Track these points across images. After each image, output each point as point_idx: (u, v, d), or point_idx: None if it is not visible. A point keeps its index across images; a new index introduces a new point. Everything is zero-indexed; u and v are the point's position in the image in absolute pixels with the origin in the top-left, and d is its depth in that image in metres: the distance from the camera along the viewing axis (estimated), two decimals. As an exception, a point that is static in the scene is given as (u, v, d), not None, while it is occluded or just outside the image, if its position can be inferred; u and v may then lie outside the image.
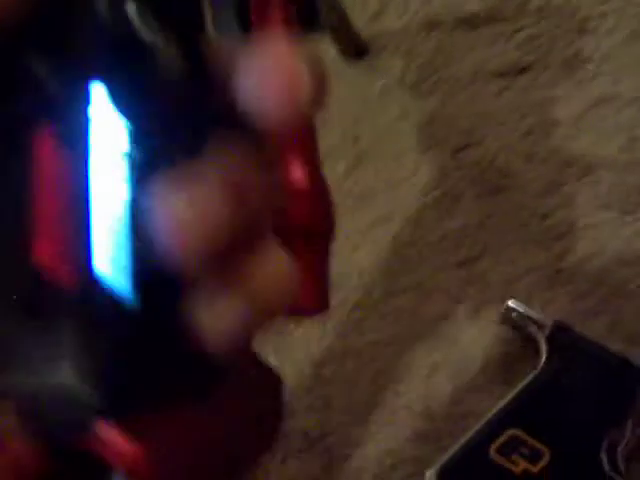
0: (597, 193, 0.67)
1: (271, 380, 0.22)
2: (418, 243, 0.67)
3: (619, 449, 0.55)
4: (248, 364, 0.21)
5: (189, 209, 0.17)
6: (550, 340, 0.59)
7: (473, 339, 0.63)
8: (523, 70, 0.73)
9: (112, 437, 0.18)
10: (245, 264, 0.18)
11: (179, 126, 0.18)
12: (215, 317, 0.18)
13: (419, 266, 0.67)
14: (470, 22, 0.75)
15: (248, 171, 0.18)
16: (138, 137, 0.17)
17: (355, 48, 0.75)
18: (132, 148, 0.17)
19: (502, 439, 0.55)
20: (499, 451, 0.54)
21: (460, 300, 0.65)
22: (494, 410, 0.57)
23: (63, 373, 0.16)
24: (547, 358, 0.58)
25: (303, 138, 0.47)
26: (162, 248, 0.17)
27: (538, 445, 0.54)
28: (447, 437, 0.60)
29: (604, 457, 0.55)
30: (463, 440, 0.56)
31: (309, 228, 0.46)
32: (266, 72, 0.17)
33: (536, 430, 0.55)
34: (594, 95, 0.71)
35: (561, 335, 0.59)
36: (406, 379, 0.63)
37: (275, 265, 0.19)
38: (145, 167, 0.17)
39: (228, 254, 0.17)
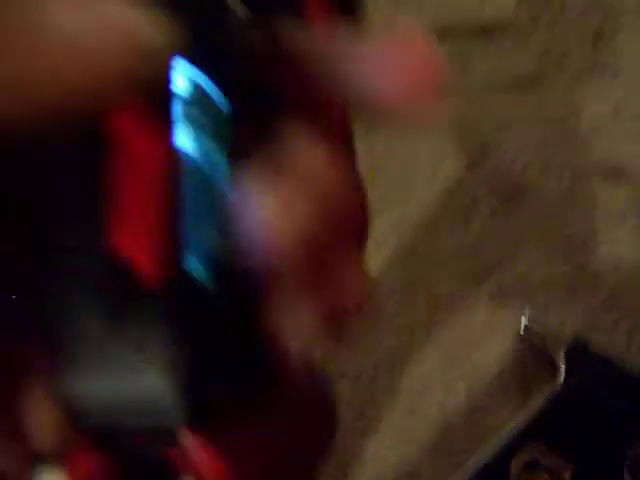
0: (614, 204, 0.67)
1: (326, 389, 0.22)
2: (433, 255, 0.67)
3: (640, 465, 0.55)
4: (311, 374, 0.20)
5: (282, 210, 0.16)
6: (569, 355, 0.58)
7: (489, 354, 0.63)
8: (538, 81, 0.72)
9: (196, 449, 0.17)
10: (327, 267, 0.18)
11: (258, 107, 0.17)
12: (295, 322, 0.17)
13: (433, 280, 0.66)
14: (484, 32, 0.75)
15: (334, 169, 0.18)
16: (228, 117, 0.16)
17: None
18: (222, 129, 0.16)
19: (523, 455, 0.54)
20: (520, 467, 0.54)
21: (476, 314, 0.64)
22: (514, 425, 0.56)
23: (149, 378, 0.15)
24: (566, 374, 0.58)
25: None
26: (251, 247, 0.16)
27: (559, 460, 0.54)
28: (464, 453, 0.60)
29: (627, 472, 0.54)
30: (483, 454, 0.56)
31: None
32: (397, 57, 0.17)
33: (558, 445, 0.54)
34: (609, 105, 0.71)
35: (580, 350, 0.59)
36: (422, 395, 0.62)
37: (355, 270, 0.18)
38: (234, 153, 0.16)
39: (312, 257, 0.17)
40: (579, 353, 0.59)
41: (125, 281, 0.15)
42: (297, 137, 0.18)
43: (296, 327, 0.17)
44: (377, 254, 0.67)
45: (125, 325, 0.15)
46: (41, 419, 0.18)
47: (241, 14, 0.17)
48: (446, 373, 0.63)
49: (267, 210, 0.16)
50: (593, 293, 0.64)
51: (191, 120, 0.16)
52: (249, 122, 0.17)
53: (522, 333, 0.62)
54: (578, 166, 0.68)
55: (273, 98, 0.18)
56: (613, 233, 0.66)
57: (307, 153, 0.17)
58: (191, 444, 0.17)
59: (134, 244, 0.15)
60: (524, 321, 0.61)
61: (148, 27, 0.14)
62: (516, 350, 0.63)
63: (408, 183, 0.70)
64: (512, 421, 0.58)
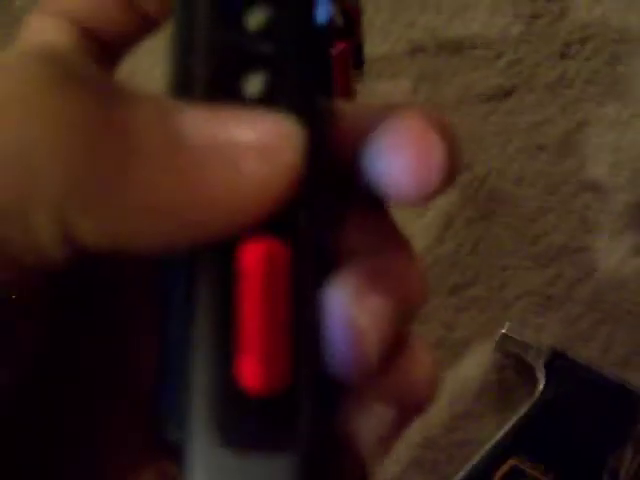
0: (585, 216, 0.67)
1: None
2: (410, 270, 0.67)
3: (621, 473, 0.55)
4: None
5: (371, 320, 0.16)
6: (547, 367, 0.59)
7: (468, 366, 0.63)
8: (507, 94, 0.73)
9: None
10: (397, 363, 0.18)
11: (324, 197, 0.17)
12: (372, 423, 0.18)
13: (411, 293, 0.66)
14: (453, 47, 0.75)
15: (408, 269, 0.18)
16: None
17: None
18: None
19: (504, 468, 0.54)
20: (502, 479, 0.54)
21: (453, 327, 0.65)
22: (494, 439, 0.56)
23: None
24: (545, 385, 0.58)
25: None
26: (338, 355, 0.16)
27: (540, 474, 0.54)
28: (446, 466, 0.60)
29: (606, 482, 0.55)
30: (465, 470, 0.56)
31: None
32: (401, 152, 0.17)
33: (538, 458, 0.55)
34: (578, 118, 0.72)
35: (556, 361, 0.59)
36: (403, 408, 0.62)
37: (422, 359, 0.18)
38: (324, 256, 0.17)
39: (388, 356, 0.17)
40: (557, 363, 0.59)
41: (247, 408, 0.15)
42: (382, 244, 0.18)
43: (371, 430, 0.18)
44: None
45: (248, 457, 0.15)
46: None
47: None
48: (426, 387, 0.63)
49: (358, 323, 0.16)
50: (570, 302, 0.64)
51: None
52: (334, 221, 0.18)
53: (501, 344, 0.62)
54: (552, 176, 0.69)
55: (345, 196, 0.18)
56: (588, 241, 0.66)
57: (395, 261, 0.18)
58: None
59: (255, 368, 0.15)
60: (502, 332, 0.62)
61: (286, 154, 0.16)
62: (495, 361, 0.63)
63: (383, 199, 0.70)
64: (493, 433, 0.58)
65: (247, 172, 0.15)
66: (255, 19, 0.16)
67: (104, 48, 0.19)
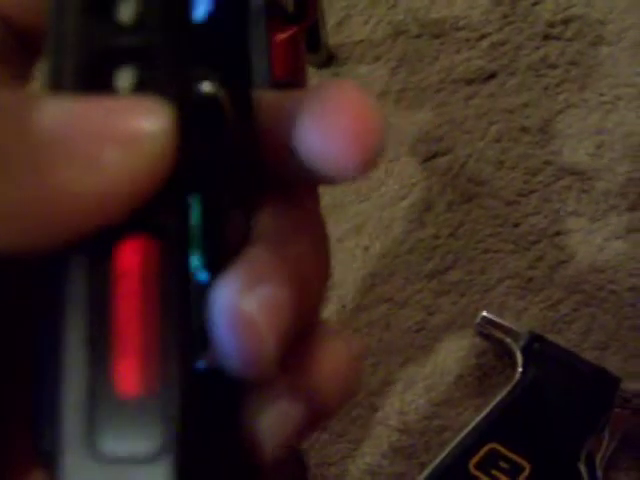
0: (567, 200, 0.67)
1: (301, 470, 0.21)
2: (389, 254, 0.67)
3: (597, 458, 0.55)
4: (290, 461, 0.20)
5: (261, 309, 0.15)
6: (525, 351, 0.58)
7: (448, 351, 0.63)
8: (489, 77, 0.72)
9: None
10: (301, 355, 0.17)
11: (237, 185, 0.17)
12: (274, 422, 0.16)
13: (391, 278, 0.66)
14: (436, 29, 0.75)
15: (310, 256, 0.17)
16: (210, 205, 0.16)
17: (324, 56, 0.74)
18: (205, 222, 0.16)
19: (481, 454, 0.54)
20: (478, 466, 0.54)
21: (433, 311, 0.64)
22: (472, 424, 0.56)
23: None
24: (523, 369, 0.58)
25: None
26: (228, 349, 0.15)
27: (517, 459, 0.54)
28: (424, 452, 0.59)
29: (582, 467, 0.54)
30: (441, 455, 0.55)
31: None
32: (339, 116, 0.16)
33: (515, 443, 0.54)
34: (560, 101, 0.71)
35: (536, 345, 0.59)
36: (381, 393, 0.62)
37: (332, 351, 0.17)
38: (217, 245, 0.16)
39: (288, 346, 0.16)
40: (536, 347, 0.59)
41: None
42: (288, 224, 0.17)
43: (274, 424, 0.16)
44: (333, 257, 0.67)
45: (122, 456, 0.15)
46: None
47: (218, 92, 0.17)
48: (405, 369, 0.62)
49: (246, 312, 0.15)
50: (551, 286, 0.64)
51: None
52: (234, 204, 0.17)
53: (480, 327, 0.61)
54: (533, 159, 0.68)
55: (252, 179, 0.17)
56: (569, 225, 0.66)
57: (298, 242, 0.17)
58: None
59: (132, 370, 0.15)
60: (482, 315, 0.61)
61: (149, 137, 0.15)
62: (475, 345, 0.63)
63: (362, 183, 0.69)
64: (472, 419, 0.57)
65: (109, 165, 0.14)
66: (125, 12, 0.16)
67: (23, 39, 0.18)
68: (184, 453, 0.15)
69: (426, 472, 0.55)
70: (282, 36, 0.55)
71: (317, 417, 0.17)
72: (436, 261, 0.66)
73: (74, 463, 0.15)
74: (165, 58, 0.16)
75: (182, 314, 0.15)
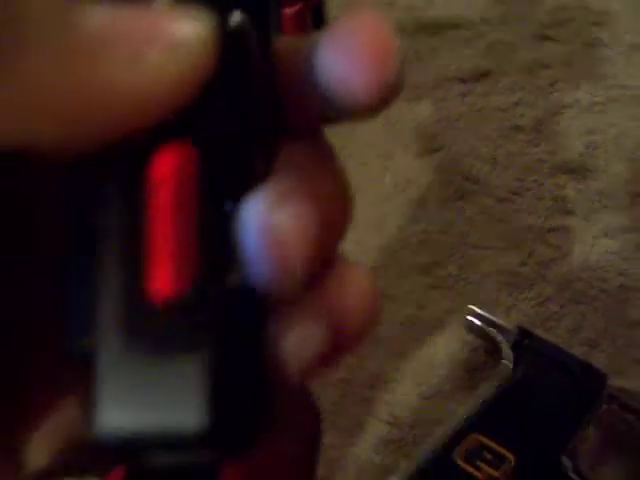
0: (559, 198, 0.67)
1: (315, 419, 0.21)
2: (382, 249, 0.67)
3: (582, 453, 0.55)
4: (306, 406, 0.20)
5: (293, 227, 0.16)
6: (514, 346, 0.59)
7: (438, 345, 0.63)
8: (484, 75, 0.73)
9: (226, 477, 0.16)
10: (326, 281, 0.17)
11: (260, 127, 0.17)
12: (299, 343, 0.17)
13: (383, 272, 0.66)
14: (433, 28, 0.75)
15: (328, 181, 0.18)
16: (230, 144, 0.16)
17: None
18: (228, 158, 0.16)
19: (466, 445, 0.54)
20: (463, 457, 0.54)
21: (424, 306, 0.65)
22: (458, 416, 0.57)
23: (192, 412, 0.15)
24: (511, 364, 0.58)
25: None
26: (262, 267, 0.16)
27: (502, 450, 0.54)
28: (412, 444, 0.60)
29: (567, 461, 0.55)
30: (428, 447, 0.56)
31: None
32: (356, 37, 0.16)
33: (500, 435, 0.55)
34: (554, 101, 0.71)
35: (525, 341, 0.60)
36: (371, 386, 0.62)
37: (356, 279, 0.18)
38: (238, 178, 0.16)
39: (314, 269, 0.16)
40: (525, 342, 0.59)
41: (157, 314, 0.15)
42: (309, 157, 0.18)
43: (300, 345, 0.17)
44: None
45: (156, 359, 0.15)
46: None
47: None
48: (396, 363, 0.63)
49: (280, 227, 0.16)
50: (541, 282, 0.64)
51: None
52: (258, 144, 0.17)
53: (470, 323, 0.62)
54: (527, 157, 0.69)
55: (275, 117, 0.18)
56: (561, 223, 0.66)
57: (320, 173, 0.17)
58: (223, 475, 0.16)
59: (167, 278, 0.15)
60: (472, 310, 0.62)
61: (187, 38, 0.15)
62: (465, 340, 0.63)
63: (357, 178, 0.70)
64: (460, 412, 0.58)
65: (149, 66, 0.15)
66: None
67: None
68: (215, 353, 0.15)
69: (413, 463, 0.55)
70: (290, 10, 0.56)
71: (339, 343, 0.17)
72: (428, 256, 0.66)
73: (111, 358, 0.15)
74: None
75: (220, 224, 0.16)
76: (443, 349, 0.63)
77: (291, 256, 0.16)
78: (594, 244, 0.65)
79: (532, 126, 0.70)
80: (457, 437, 0.55)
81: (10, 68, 0.14)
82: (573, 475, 0.54)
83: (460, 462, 0.54)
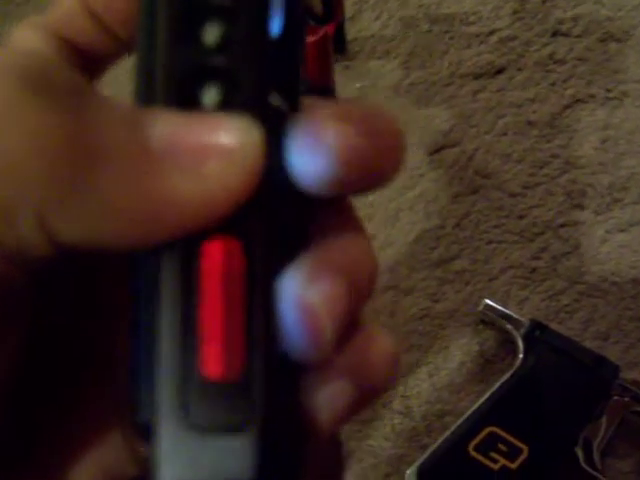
0: (572, 193, 0.68)
1: (340, 455, 0.23)
2: (395, 244, 0.68)
3: (595, 444, 0.56)
4: (335, 445, 0.22)
5: (324, 302, 0.17)
6: (527, 338, 0.59)
7: (451, 338, 0.64)
8: (498, 72, 0.73)
9: None
10: (353, 343, 0.19)
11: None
12: (329, 399, 0.18)
13: (396, 266, 0.67)
14: (446, 25, 0.76)
15: (356, 249, 0.19)
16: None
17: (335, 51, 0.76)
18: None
19: (480, 437, 0.55)
20: (477, 449, 0.55)
21: (437, 299, 0.65)
22: (472, 408, 0.57)
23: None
24: (524, 356, 0.59)
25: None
26: (294, 336, 0.17)
27: (516, 442, 0.55)
28: (426, 436, 0.61)
29: (580, 452, 0.55)
30: (442, 438, 0.57)
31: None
32: (300, 140, 0.18)
33: (514, 427, 0.55)
34: (567, 96, 0.72)
35: (537, 333, 0.60)
36: (385, 378, 0.63)
37: (380, 340, 0.19)
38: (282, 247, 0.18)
39: (342, 334, 0.18)
40: (537, 334, 0.60)
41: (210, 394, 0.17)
42: (337, 229, 0.19)
43: (329, 403, 0.18)
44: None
45: (209, 435, 0.17)
46: None
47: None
48: (409, 355, 0.64)
49: (310, 303, 0.17)
50: (554, 276, 0.65)
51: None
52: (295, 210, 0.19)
53: (483, 315, 0.63)
54: (540, 152, 0.70)
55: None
56: (574, 217, 0.67)
57: (348, 245, 0.19)
58: None
59: (218, 359, 0.17)
60: (485, 302, 0.62)
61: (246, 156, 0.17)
62: (478, 333, 0.64)
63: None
64: (473, 404, 0.59)
65: (209, 175, 0.16)
66: (211, 34, 0.17)
67: (83, 61, 0.20)
68: (265, 426, 0.17)
69: (426, 454, 0.56)
70: (312, 39, 0.56)
71: (365, 397, 0.19)
72: (441, 251, 0.67)
73: (169, 431, 0.17)
74: (248, 76, 0.17)
75: (264, 308, 0.17)
76: (456, 342, 0.64)
77: (323, 328, 0.17)
78: (606, 238, 0.66)
79: (546, 121, 0.71)
80: (472, 429, 0.56)
81: (84, 180, 0.16)
82: (585, 466, 0.55)
83: (474, 453, 0.55)
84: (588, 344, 0.61)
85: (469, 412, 0.57)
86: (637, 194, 0.67)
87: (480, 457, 0.55)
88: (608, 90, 0.72)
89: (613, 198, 0.67)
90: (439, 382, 0.62)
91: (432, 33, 0.76)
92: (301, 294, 0.17)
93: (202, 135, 0.17)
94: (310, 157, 0.17)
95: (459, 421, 0.57)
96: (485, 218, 0.68)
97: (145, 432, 0.17)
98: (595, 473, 0.55)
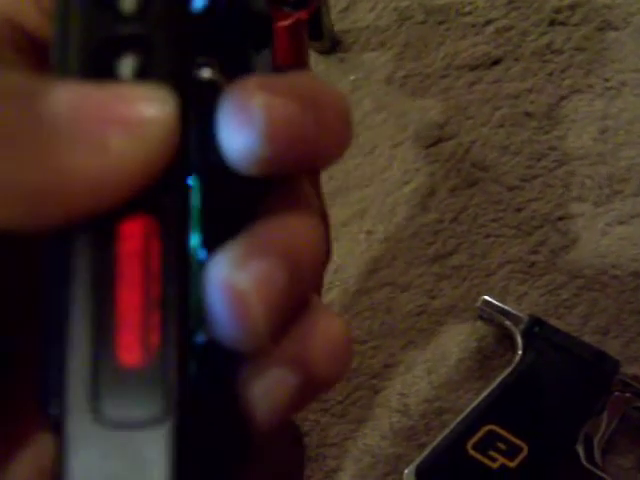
0: (570, 185, 0.67)
1: (298, 449, 0.22)
2: (392, 239, 0.67)
3: (595, 441, 0.55)
4: (284, 434, 0.20)
5: (254, 287, 0.16)
6: (525, 334, 0.59)
7: (448, 334, 0.63)
8: (494, 63, 0.72)
9: None
10: (295, 330, 0.18)
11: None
12: (267, 391, 0.17)
13: (393, 262, 0.66)
14: (441, 15, 0.75)
15: (303, 229, 0.18)
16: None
17: (328, 43, 0.75)
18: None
19: (479, 435, 0.54)
20: (476, 447, 0.54)
21: (435, 295, 0.65)
22: (471, 406, 0.57)
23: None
24: (523, 352, 0.58)
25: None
26: (222, 322, 0.16)
27: (515, 440, 0.54)
28: (424, 434, 0.60)
29: (581, 449, 0.54)
30: (440, 437, 0.56)
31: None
32: (225, 116, 0.16)
33: (513, 425, 0.55)
34: (565, 86, 0.71)
35: (536, 329, 0.59)
36: (382, 376, 0.62)
37: (327, 327, 0.18)
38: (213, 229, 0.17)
39: (281, 322, 0.17)
40: (536, 330, 0.59)
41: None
42: (282, 210, 0.18)
43: (267, 394, 0.17)
44: (337, 241, 0.67)
45: (123, 425, 0.16)
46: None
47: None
48: (406, 352, 0.63)
49: (239, 287, 0.16)
50: (552, 270, 0.64)
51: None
52: (227, 190, 0.17)
53: (481, 310, 0.62)
54: (537, 144, 0.69)
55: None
56: (572, 210, 0.66)
57: (291, 226, 0.17)
58: None
59: (128, 342, 0.16)
60: (483, 298, 0.62)
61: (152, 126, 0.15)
62: (476, 329, 0.63)
63: (366, 167, 0.70)
64: (471, 401, 0.58)
65: (115, 149, 0.15)
66: (127, 2, 0.17)
67: (34, 47, 0.19)
68: (182, 418, 0.16)
69: (425, 453, 0.55)
70: (284, 23, 0.56)
71: (309, 389, 0.18)
72: (438, 245, 0.66)
73: (79, 426, 0.16)
74: (166, 46, 0.17)
75: (180, 290, 0.16)
76: (454, 338, 0.63)
77: (253, 314, 0.16)
78: (606, 231, 0.65)
79: (543, 113, 0.70)
80: (470, 427, 0.55)
81: None
82: (586, 463, 0.54)
83: (473, 452, 0.54)
84: (588, 339, 0.60)
85: (467, 410, 0.57)
86: (637, 185, 0.66)
87: (479, 456, 0.54)
88: (606, 80, 0.71)
89: (613, 190, 0.66)
90: (437, 380, 0.62)
91: (427, 24, 0.75)
92: (227, 277, 0.16)
93: (108, 105, 0.15)
94: (235, 132, 0.16)
95: (457, 419, 0.56)
96: (483, 212, 0.67)
97: (55, 427, 0.16)
98: (596, 470, 0.54)
